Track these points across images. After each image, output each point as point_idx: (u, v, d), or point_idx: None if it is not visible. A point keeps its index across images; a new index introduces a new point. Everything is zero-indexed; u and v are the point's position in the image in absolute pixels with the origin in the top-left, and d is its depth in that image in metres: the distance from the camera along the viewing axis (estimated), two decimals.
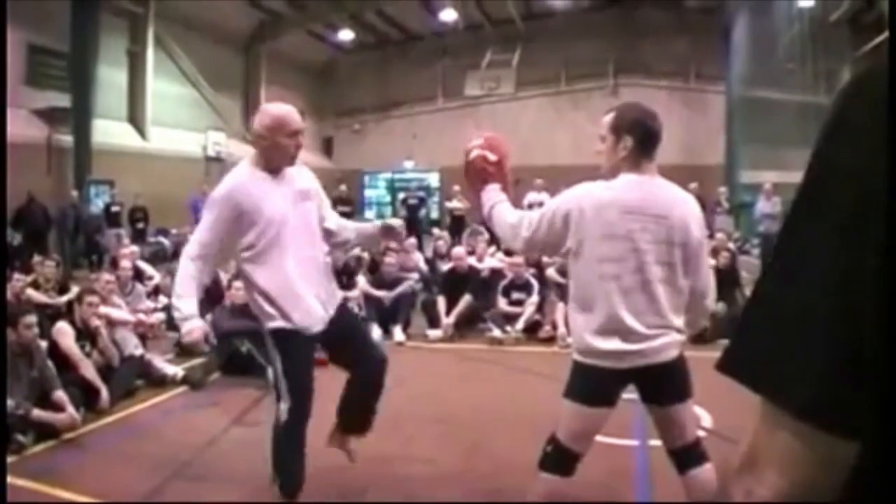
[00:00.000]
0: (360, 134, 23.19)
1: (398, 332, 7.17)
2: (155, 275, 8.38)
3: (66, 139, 13.81)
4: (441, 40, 21.35)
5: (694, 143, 17.83)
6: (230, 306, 6.05)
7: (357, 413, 3.27)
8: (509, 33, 20.21)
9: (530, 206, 11.94)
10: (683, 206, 2.47)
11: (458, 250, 8.30)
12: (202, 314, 6.74)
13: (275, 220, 2.90)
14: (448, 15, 19.70)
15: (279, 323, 2.93)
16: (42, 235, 11.82)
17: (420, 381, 5.71)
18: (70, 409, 4.20)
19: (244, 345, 5.55)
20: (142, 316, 6.62)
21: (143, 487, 3.51)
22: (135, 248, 9.11)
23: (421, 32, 21.74)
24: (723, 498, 1.93)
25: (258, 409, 4.77)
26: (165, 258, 11.93)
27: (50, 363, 4.39)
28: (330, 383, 3.23)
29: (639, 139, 2.42)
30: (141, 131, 16.14)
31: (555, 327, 6.85)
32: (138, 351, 5.53)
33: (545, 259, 7.58)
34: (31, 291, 6.82)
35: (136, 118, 16.19)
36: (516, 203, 2.77)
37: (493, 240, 8.58)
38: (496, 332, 7.04)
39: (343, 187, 15.26)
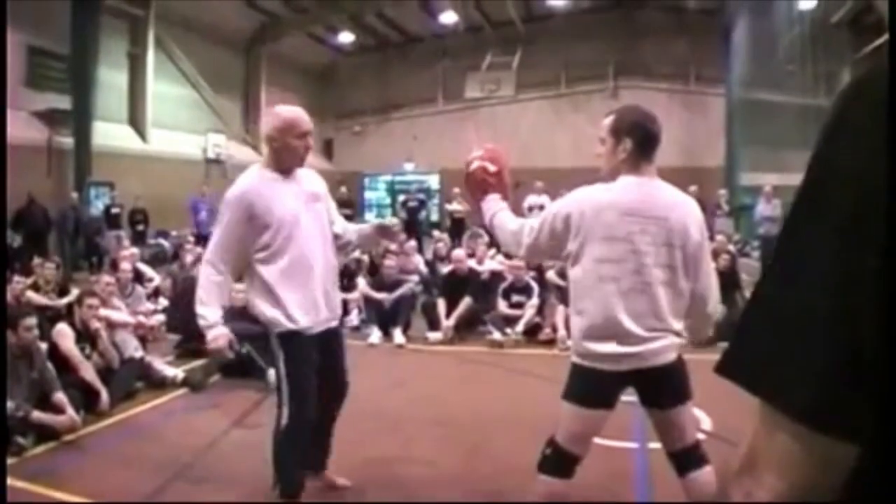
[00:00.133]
0: (361, 136, 23.21)
1: (398, 335, 7.16)
2: (155, 277, 8.39)
3: (67, 141, 13.82)
4: (441, 42, 21.37)
5: (694, 146, 17.84)
6: (230, 309, 6.03)
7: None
8: (509, 35, 20.23)
9: (530, 209, 11.97)
10: (683, 208, 2.47)
11: (458, 252, 8.29)
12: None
13: (287, 220, 2.95)
14: (448, 17, 19.74)
15: (285, 324, 2.95)
16: (42, 237, 11.82)
17: (420, 384, 5.71)
18: (70, 411, 4.20)
19: (244, 347, 5.55)
20: (142, 318, 6.61)
21: (143, 489, 3.51)
22: (135, 250, 9.11)
23: (421, 34, 21.77)
24: (722, 500, 1.93)
25: (258, 412, 4.77)
26: (165, 260, 11.94)
27: (50, 365, 4.39)
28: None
29: (638, 142, 2.42)
30: (141, 133, 16.15)
31: (555, 330, 6.84)
32: (138, 353, 5.53)
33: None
34: (31, 293, 6.83)
35: (136, 120, 16.21)
36: (516, 205, 2.78)
37: (493, 242, 8.58)
38: (496, 335, 7.03)
39: (343, 189, 15.27)
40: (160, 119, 16.44)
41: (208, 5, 16.65)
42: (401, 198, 16.68)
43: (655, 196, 2.42)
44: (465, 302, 7.33)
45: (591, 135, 2.82)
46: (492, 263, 8.40)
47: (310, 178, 3.16)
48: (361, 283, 7.77)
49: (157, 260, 11.52)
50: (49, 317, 5.93)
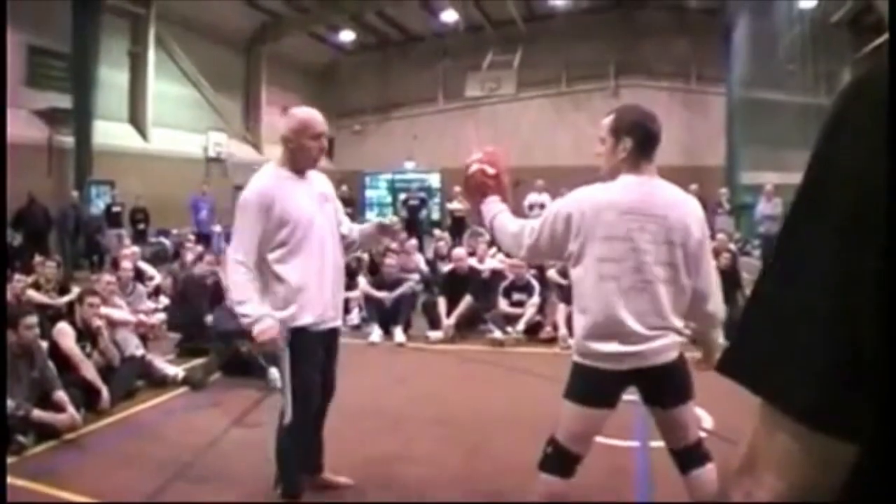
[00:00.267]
0: (361, 135, 23.20)
1: (399, 334, 7.17)
2: (156, 275, 8.40)
3: (67, 140, 13.82)
4: (442, 41, 21.35)
5: (695, 145, 17.85)
6: (231, 306, 6.04)
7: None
8: (510, 34, 20.21)
9: (531, 207, 11.97)
10: (683, 206, 2.47)
11: (459, 251, 8.29)
12: (203, 315, 6.69)
13: (303, 219, 2.98)
14: (449, 16, 19.71)
15: (296, 321, 2.96)
16: (43, 236, 11.82)
17: (421, 383, 5.71)
18: (71, 409, 4.20)
19: (245, 345, 5.55)
20: (142, 316, 6.62)
21: (143, 488, 3.51)
22: (136, 249, 9.12)
23: (422, 33, 21.75)
24: (722, 500, 1.93)
25: (259, 410, 4.77)
26: (166, 259, 11.94)
27: (50, 364, 4.39)
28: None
29: (638, 141, 2.42)
30: (142, 132, 16.15)
31: (556, 328, 6.85)
32: (139, 351, 5.54)
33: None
34: (31, 292, 6.83)
35: (136, 119, 16.21)
36: (517, 203, 2.79)
37: (494, 241, 8.57)
38: (497, 334, 7.03)
39: (344, 188, 15.27)
40: (161, 118, 16.43)
41: (209, 4, 16.64)
42: (401, 196, 16.69)
43: (655, 195, 2.42)
44: (466, 300, 7.33)
45: (591, 134, 2.82)
46: (492, 262, 8.40)
47: (319, 180, 3.20)
48: (362, 281, 7.77)
49: (157, 258, 11.52)
50: (50, 315, 5.93)
